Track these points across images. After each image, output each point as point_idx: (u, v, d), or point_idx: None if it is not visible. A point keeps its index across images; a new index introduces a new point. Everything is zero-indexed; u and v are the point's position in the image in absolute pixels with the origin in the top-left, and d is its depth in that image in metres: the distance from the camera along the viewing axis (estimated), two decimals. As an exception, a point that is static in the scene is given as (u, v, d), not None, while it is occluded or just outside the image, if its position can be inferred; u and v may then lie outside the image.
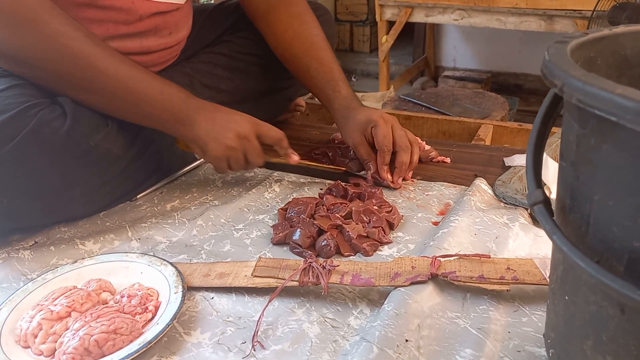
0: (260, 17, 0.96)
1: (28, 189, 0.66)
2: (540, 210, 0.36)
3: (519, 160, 0.87)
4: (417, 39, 3.29)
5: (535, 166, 0.39)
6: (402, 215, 0.74)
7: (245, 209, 0.78)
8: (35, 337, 0.51)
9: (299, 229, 0.68)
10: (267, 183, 0.85)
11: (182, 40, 0.93)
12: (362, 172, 0.86)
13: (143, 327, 0.53)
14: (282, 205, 0.77)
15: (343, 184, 0.79)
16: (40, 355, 0.51)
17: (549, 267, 0.45)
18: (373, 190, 0.78)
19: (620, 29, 0.41)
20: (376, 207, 0.73)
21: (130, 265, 0.63)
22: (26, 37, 0.64)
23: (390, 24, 2.60)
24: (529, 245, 0.65)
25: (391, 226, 0.71)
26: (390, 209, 0.73)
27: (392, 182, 0.82)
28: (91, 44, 0.67)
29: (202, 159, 0.91)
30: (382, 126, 0.82)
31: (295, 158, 0.80)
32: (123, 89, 0.69)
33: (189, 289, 0.59)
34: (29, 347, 0.52)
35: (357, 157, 0.89)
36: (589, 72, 0.31)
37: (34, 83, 0.69)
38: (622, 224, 0.31)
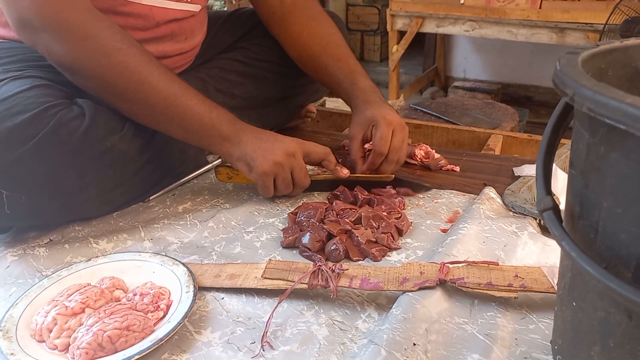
0: (276, 22, 0.98)
1: (45, 187, 0.67)
2: (549, 217, 0.36)
3: (529, 170, 0.87)
4: (427, 49, 3.31)
5: (545, 173, 0.40)
6: (412, 222, 0.75)
7: (256, 213, 0.79)
8: (50, 331, 0.52)
9: (308, 233, 0.69)
10: (278, 187, 0.86)
11: (197, 45, 0.95)
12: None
13: (155, 324, 0.54)
14: (292, 210, 0.78)
15: (349, 191, 0.80)
16: (55, 349, 0.52)
17: (557, 276, 0.46)
18: (390, 201, 0.78)
19: (631, 41, 0.42)
20: (385, 213, 0.74)
21: (142, 264, 0.64)
22: (85, 52, 0.68)
23: (401, 33, 2.62)
24: (537, 254, 0.66)
25: (400, 232, 0.72)
26: (400, 215, 0.74)
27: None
28: (146, 62, 0.71)
29: (214, 163, 0.93)
30: (382, 128, 0.81)
31: (345, 172, 0.81)
32: (174, 105, 0.72)
33: (199, 289, 0.60)
34: (43, 341, 0.53)
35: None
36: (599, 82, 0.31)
37: (55, 85, 0.71)
38: (630, 231, 0.32)
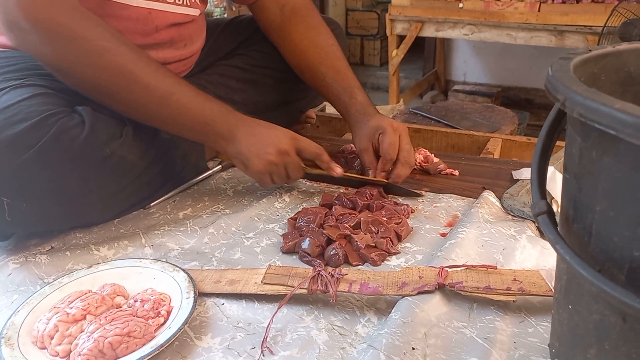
0: (275, 30, 0.99)
1: (47, 194, 0.68)
2: (544, 221, 0.37)
3: (527, 173, 0.88)
4: (427, 53, 3.32)
5: (540, 177, 0.40)
6: (412, 228, 0.75)
7: (256, 218, 0.80)
8: (52, 338, 0.53)
9: (308, 238, 0.69)
10: (278, 193, 0.87)
11: (196, 52, 0.96)
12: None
13: (155, 331, 0.55)
14: (292, 215, 0.78)
15: (347, 197, 0.81)
16: (56, 356, 0.52)
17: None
18: (393, 207, 0.78)
19: (624, 46, 0.42)
20: (385, 219, 0.74)
21: (143, 270, 0.64)
22: (74, 53, 0.68)
23: (401, 38, 2.63)
24: (536, 258, 0.66)
25: (399, 237, 0.72)
26: (400, 220, 0.74)
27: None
28: (136, 60, 0.70)
29: (214, 169, 0.93)
30: (390, 134, 0.83)
31: (338, 171, 0.81)
32: (165, 103, 0.72)
33: (200, 295, 0.60)
34: (45, 348, 0.53)
35: (361, 168, 0.90)
36: (592, 87, 0.32)
37: (55, 93, 0.71)
38: (622, 234, 0.32)
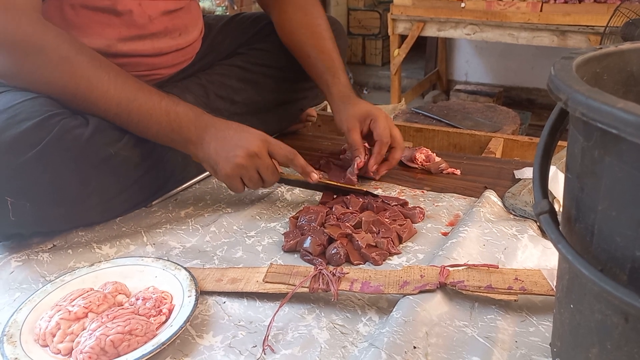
0: (271, 7, 1.02)
1: (49, 194, 0.68)
2: (546, 220, 0.37)
3: (529, 173, 0.88)
4: (429, 53, 3.32)
5: (542, 177, 0.40)
6: (416, 230, 0.74)
7: (257, 217, 0.80)
8: (54, 336, 0.53)
9: (309, 237, 0.69)
10: (279, 192, 0.87)
11: (194, 42, 0.96)
12: (378, 191, 0.87)
13: (157, 329, 0.55)
14: (294, 214, 0.79)
15: (346, 197, 0.81)
16: (58, 353, 0.52)
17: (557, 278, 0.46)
18: (409, 212, 0.77)
19: (626, 45, 0.42)
20: (388, 220, 0.74)
21: (145, 269, 0.64)
22: (29, 67, 0.67)
23: (403, 37, 2.63)
24: (538, 257, 0.66)
25: (400, 239, 0.72)
26: (404, 222, 0.74)
27: (378, 172, 0.89)
28: (95, 67, 0.70)
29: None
30: (382, 120, 0.87)
31: (314, 177, 0.79)
32: (127, 110, 0.71)
33: (201, 293, 0.61)
34: (47, 345, 0.53)
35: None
36: (594, 87, 0.32)
37: None
38: (624, 234, 0.32)
